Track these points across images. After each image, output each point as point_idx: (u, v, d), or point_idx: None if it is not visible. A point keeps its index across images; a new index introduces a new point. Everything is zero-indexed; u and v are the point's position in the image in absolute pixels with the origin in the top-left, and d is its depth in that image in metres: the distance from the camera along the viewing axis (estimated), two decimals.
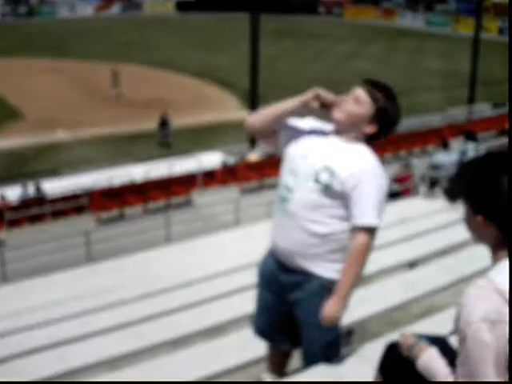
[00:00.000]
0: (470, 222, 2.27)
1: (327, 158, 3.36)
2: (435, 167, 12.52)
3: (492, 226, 2.18)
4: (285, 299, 3.61)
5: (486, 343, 2.05)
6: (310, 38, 53.07)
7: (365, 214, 3.29)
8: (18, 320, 6.98)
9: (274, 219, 3.56)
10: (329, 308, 3.34)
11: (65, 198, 17.33)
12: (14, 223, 16.13)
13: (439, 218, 8.94)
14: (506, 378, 2.08)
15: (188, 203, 17.77)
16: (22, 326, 6.57)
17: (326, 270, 3.41)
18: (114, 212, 16.89)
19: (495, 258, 2.23)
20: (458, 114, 27.45)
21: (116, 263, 9.71)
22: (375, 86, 3.39)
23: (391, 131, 3.48)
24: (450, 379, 2.32)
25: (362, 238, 3.31)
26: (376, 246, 7.60)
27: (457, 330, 2.16)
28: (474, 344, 2.07)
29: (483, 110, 28.68)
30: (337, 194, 3.31)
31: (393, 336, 3.97)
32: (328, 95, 3.35)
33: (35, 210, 16.68)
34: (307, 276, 3.46)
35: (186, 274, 8.00)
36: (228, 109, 31.21)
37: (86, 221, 15.98)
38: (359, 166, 3.31)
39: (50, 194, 17.86)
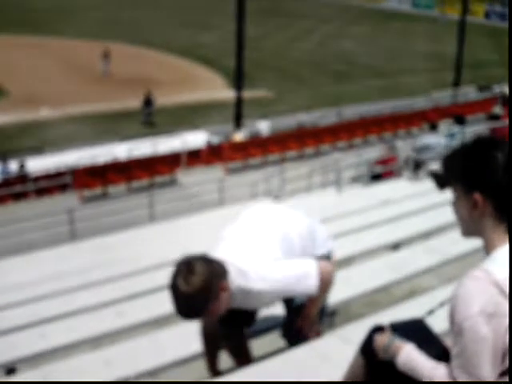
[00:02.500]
0: (464, 204, 2.20)
1: None
2: (421, 149, 12.52)
3: (489, 204, 2.13)
4: None
5: (483, 337, 2.04)
6: (296, 17, 52.92)
7: (304, 287, 3.13)
8: (0, 298, 6.95)
9: None
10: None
11: (48, 176, 17.25)
12: None
13: (423, 200, 8.95)
14: (501, 370, 2.07)
15: (172, 182, 17.73)
16: (5, 303, 6.55)
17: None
18: (98, 190, 16.82)
19: (491, 247, 2.18)
20: (443, 96, 27.49)
21: (99, 241, 9.67)
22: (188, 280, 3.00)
23: None
24: (438, 371, 2.29)
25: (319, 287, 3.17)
26: (360, 228, 7.60)
27: (451, 323, 2.13)
28: (471, 337, 2.06)
29: (468, 92, 28.73)
30: None
31: (375, 318, 3.99)
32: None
33: (19, 187, 16.60)
34: None
35: (169, 253, 7.98)
36: (214, 88, 31.12)
37: (69, 199, 15.91)
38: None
39: (33, 172, 17.76)
